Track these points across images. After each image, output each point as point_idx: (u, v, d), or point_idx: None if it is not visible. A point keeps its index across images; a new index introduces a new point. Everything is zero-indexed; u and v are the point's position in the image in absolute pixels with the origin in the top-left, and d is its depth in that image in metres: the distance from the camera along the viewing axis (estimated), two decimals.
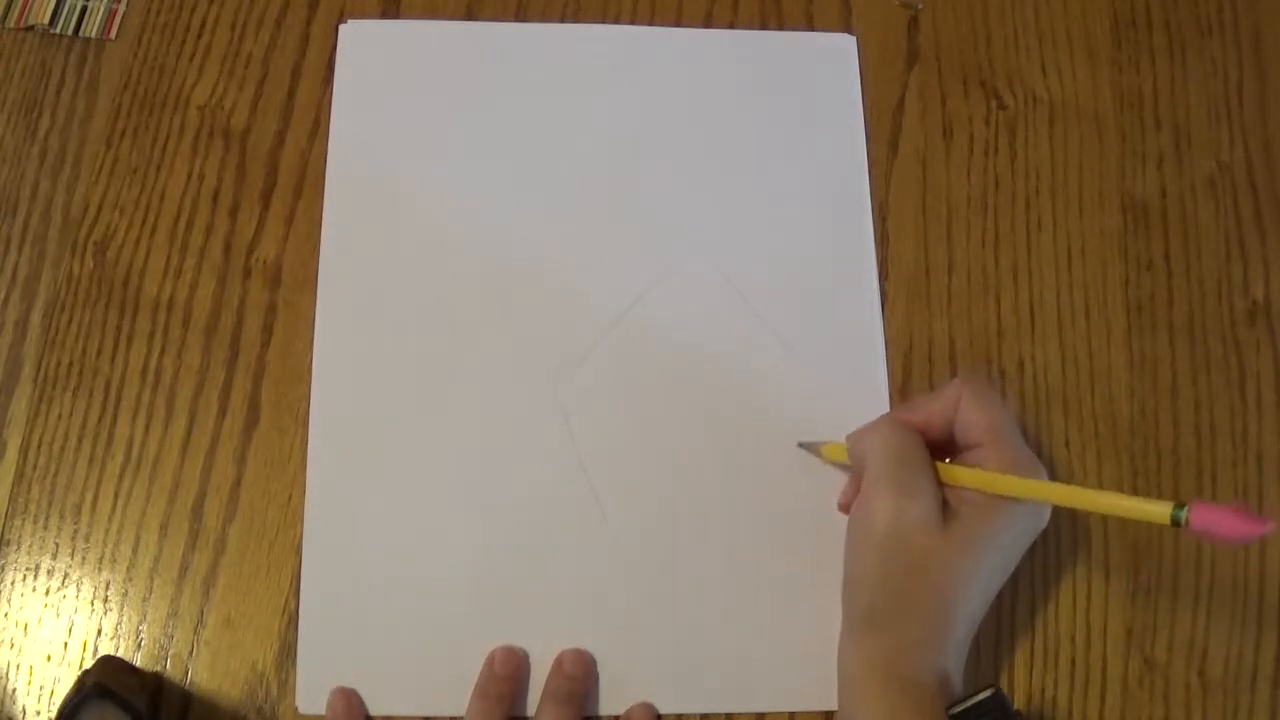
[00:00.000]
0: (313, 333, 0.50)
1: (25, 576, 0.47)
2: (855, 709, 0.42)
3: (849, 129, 0.54)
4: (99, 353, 0.50)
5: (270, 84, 0.54)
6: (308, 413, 0.49)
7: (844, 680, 0.44)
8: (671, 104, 0.54)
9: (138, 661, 0.46)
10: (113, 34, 0.54)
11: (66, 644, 0.46)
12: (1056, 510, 0.47)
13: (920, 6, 0.57)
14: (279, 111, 0.54)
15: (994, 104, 0.55)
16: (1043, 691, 0.47)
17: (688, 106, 0.54)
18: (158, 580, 0.47)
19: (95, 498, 0.48)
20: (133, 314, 0.50)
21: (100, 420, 0.49)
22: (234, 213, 0.52)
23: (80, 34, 0.54)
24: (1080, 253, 0.53)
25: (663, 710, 0.46)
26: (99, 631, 0.46)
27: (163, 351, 0.50)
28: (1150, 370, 0.51)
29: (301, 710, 0.45)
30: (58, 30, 0.54)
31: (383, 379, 0.49)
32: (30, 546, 0.47)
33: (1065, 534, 0.48)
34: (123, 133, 0.53)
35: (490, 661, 0.45)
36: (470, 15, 0.56)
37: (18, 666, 0.45)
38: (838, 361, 0.51)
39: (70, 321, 0.50)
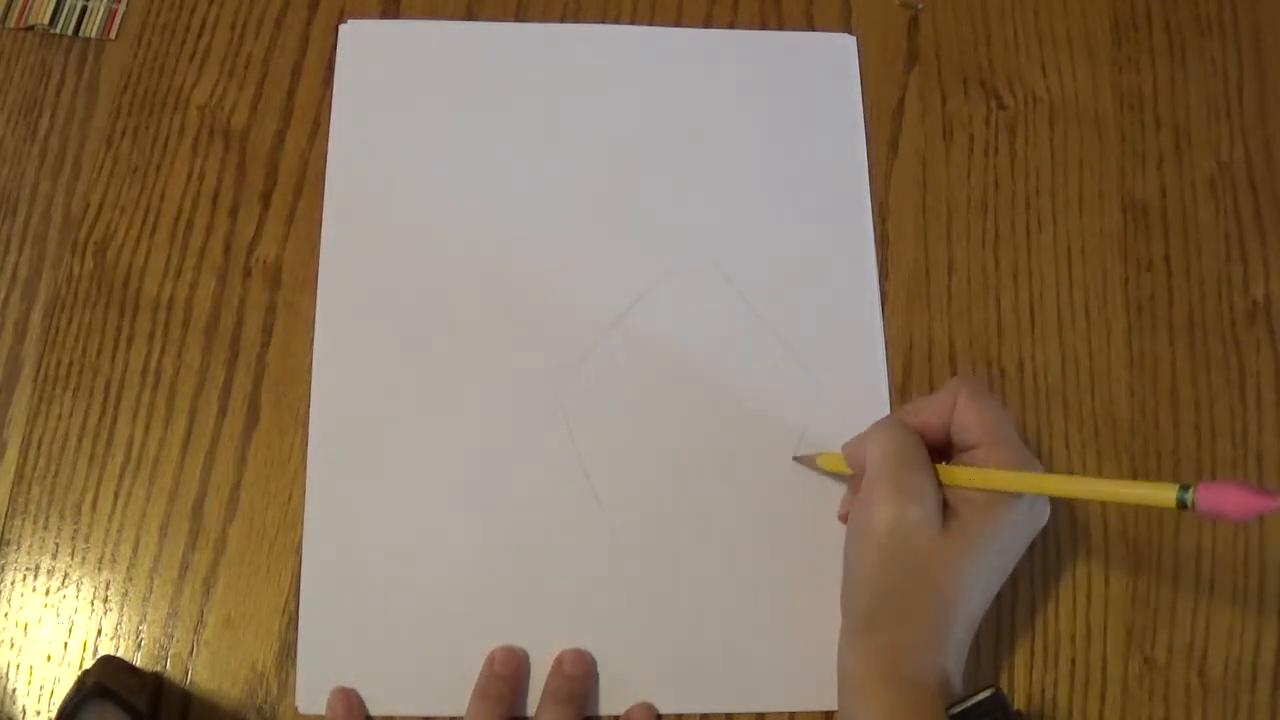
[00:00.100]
0: (313, 333, 0.50)
1: (25, 576, 0.47)
2: (855, 710, 0.42)
3: (849, 129, 0.54)
4: (99, 353, 0.50)
5: (270, 84, 0.54)
6: (308, 413, 0.49)
7: (844, 681, 0.44)
8: (671, 104, 0.54)
9: (138, 661, 0.46)
10: (113, 34, 0.54)
11: (66, 644, 0.46)
12: (1056, 511, 0.47)
13: (920, 6, 0.57)
14: (279, 111, 0.54)
15: (994, 104, 0.55)
16: (1043, 691, 0.47)
17: (688, 107, 0.54)
18: (158, 580, 0.47)
19: (95, 498, 0.48)
20: (133, 314, 0.50)
21: (100, 420, 0.49)
22: (234, 213, 0.52)
23: (80, 34, 0.54)
24: (1080, 253, 0.53)
25: (663, 710, 0.46)
26: (99, 631, 0.46)
27: (163, 351, 0.50)
28: (1150, 370, 0.51)
29: (301, 710, 0.45)
30: (58, 30, 0.54)
31: (383, 379, 0.49)
32: (30, 546, 0.47)
33: (1065, 534, 0.48)
34: (123, 133, 0.53)
35: (490, 661, 0.46)
36: (470, 15, 0.56)
37: (18, 666, 0.45)
38: (838, 361, 0.51)
39: (70, 321, 0.50)
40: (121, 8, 0.55)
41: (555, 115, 0.54)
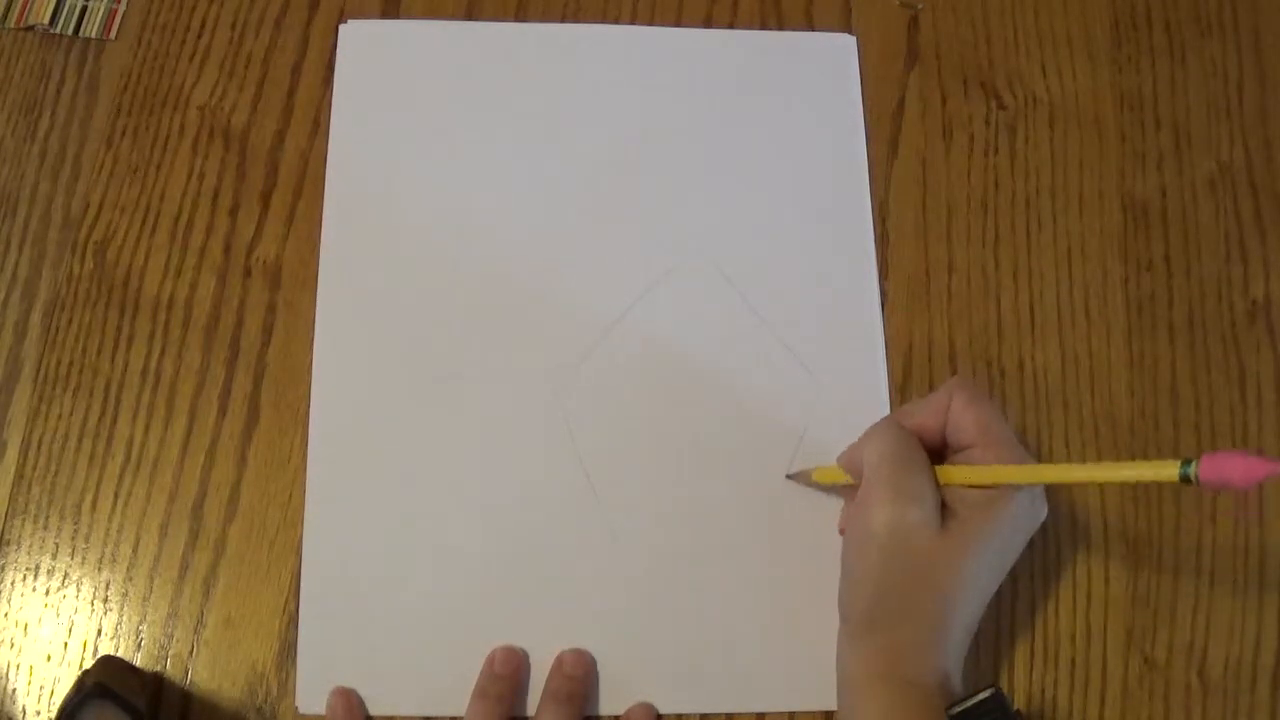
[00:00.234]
0: (313, 333, 0.50)
1: (25, 576, 0.47)
2: (854, 710, 0.42)
3: (849, 129, 0.54)
4: (99, 353, 0.50)
5: (270, 84, 0.54)
6: (308, 413, 0.49)
7: (843, 682, 0.44)
8: (671, 104, 0.54)
9: (138, 661, 0.46)
10: (113, 34, 0.54)
11: (66, 644, 0.46)
12: (1056, 510, 0.47)
13: (920, 6, 0.57)
14: (279, 111, 0.54)
15: (994, 104, 0.55)
16: (1043, 691, 0.47)
17: (688, 106, 0.54)
18: (158, 580, 0.47)
19: (95, 498, 0.48)
20: (133, 314, 0.50)
21: (100, 420, 0.49)
22: (234, 213, 0.52)
23: (80, 34, 0.54)
24: (1080, 253, 0.53)
25: (663, 710, 0.46)
26: (99, 631, 0.46)
27: (163, 351, 0.50)
28: (1150, 370, 0.51)
29: (301, 710, 0.45)
30: (58, 30, 0.54)
31: (382, 379, 0.49)
32: (30, 546, 0.47)
33: (1065, 534, 0.48)
34: (123, 133, 0.53)
35: (490, 661, 0.46)
36: (470, 15, 0.56)
37: (18, 666, 0.45)
38: (838, 361, 0.51)
39: (70, 321, 0.50)
40: (121, 8, 0.55)
41: (555, 115, 0.54)
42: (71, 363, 0.49)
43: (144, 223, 0.51)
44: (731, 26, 0.56)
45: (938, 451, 0.44)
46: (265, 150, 0.53)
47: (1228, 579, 0.48)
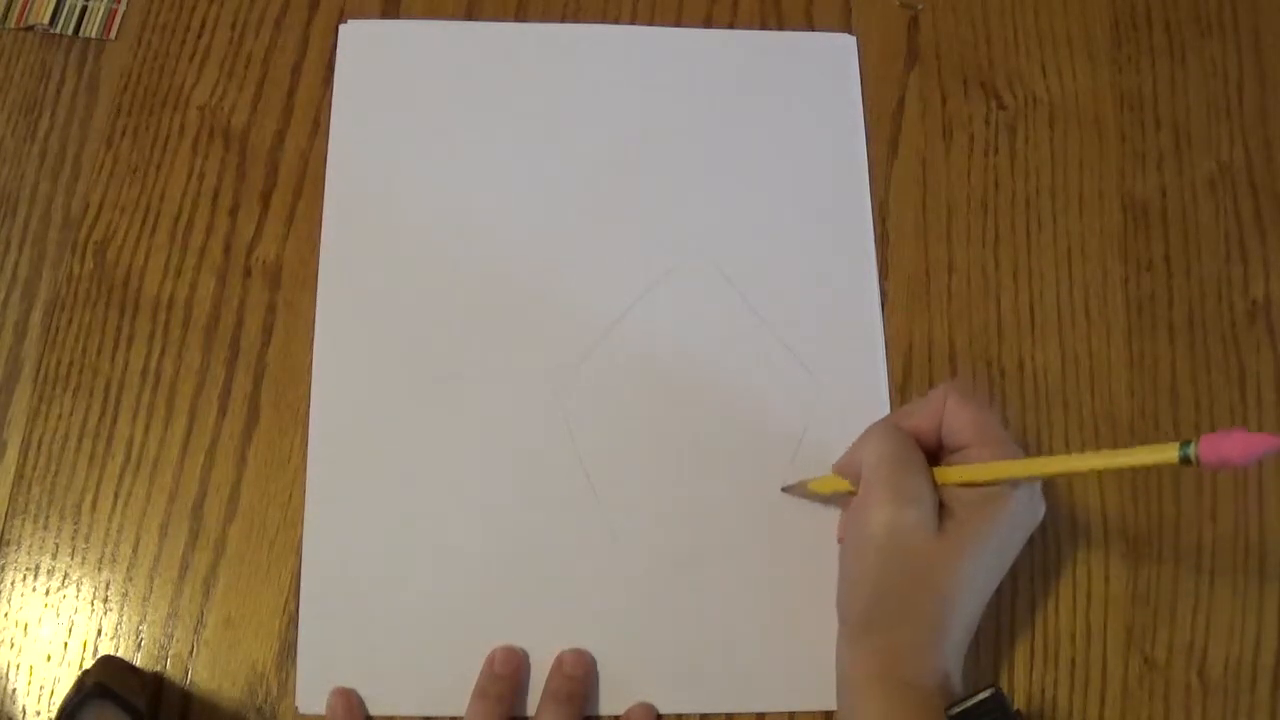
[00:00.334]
0: (313, 333, 0.50)
1: (25, 576, 0.47)
2: (854, 711, 0.42)
3: (849, 129, 0.54)
4: (99, 353, 0.50)
5: (270, 84, 0.54)
6: (308, 413, 0.49)
7: (843, 683, 0.44)
8: (671, 104, 0.54)
9: (138, 661, 0.46)
10: (113, 34, 0.54)
11: (66, 644, 0.46)
12: (1055, 509, 0.47)
13: (920, 6, 0.57)
14: (279, 111, 0.54)
15: (994, 104, 0.55)
16: (1043, 691, 0.47)
17: (687, 106, 0.54)
18: (158, 580, 0.47)
19: (95, 498, 0.48)
20: (133, 314, 0.50)
21: (100, 420, 0.49)
22: (234, 213, 0.52)
23: (80, 34, 0.54)
24: (1080, 253, 0.53)
25: (663, 710, 0.46)
26: (99, 631, 0.46)
27: (163, 351, 0.50)
28: (1150, 370, 0.51)
29: (301, 710, 0.45)
30: (58, 30, 0.54)
31: (382, 379, 0.49)
32: (30, 546, 0.47)
33: (1065, 533, 0.48)
34: (123, 133, 0.53)
35: (490, 661, 0.46)
36: (470, 15, 0.56)
37: (18, 666, 0.45)
38: (838, 361, 0.51)
39: (70, 321, 0.50)
40: (121, 8, 0.55)
41: (555, 115, 0.54)
42: (71, 363, 0.49)
43: (144, 223, 0.51)
44: (731, 26, 0.56)
45: (933, 454, 0.44)
46: (265, 150, 0.53)
47: (1228, 578, 0.48)
